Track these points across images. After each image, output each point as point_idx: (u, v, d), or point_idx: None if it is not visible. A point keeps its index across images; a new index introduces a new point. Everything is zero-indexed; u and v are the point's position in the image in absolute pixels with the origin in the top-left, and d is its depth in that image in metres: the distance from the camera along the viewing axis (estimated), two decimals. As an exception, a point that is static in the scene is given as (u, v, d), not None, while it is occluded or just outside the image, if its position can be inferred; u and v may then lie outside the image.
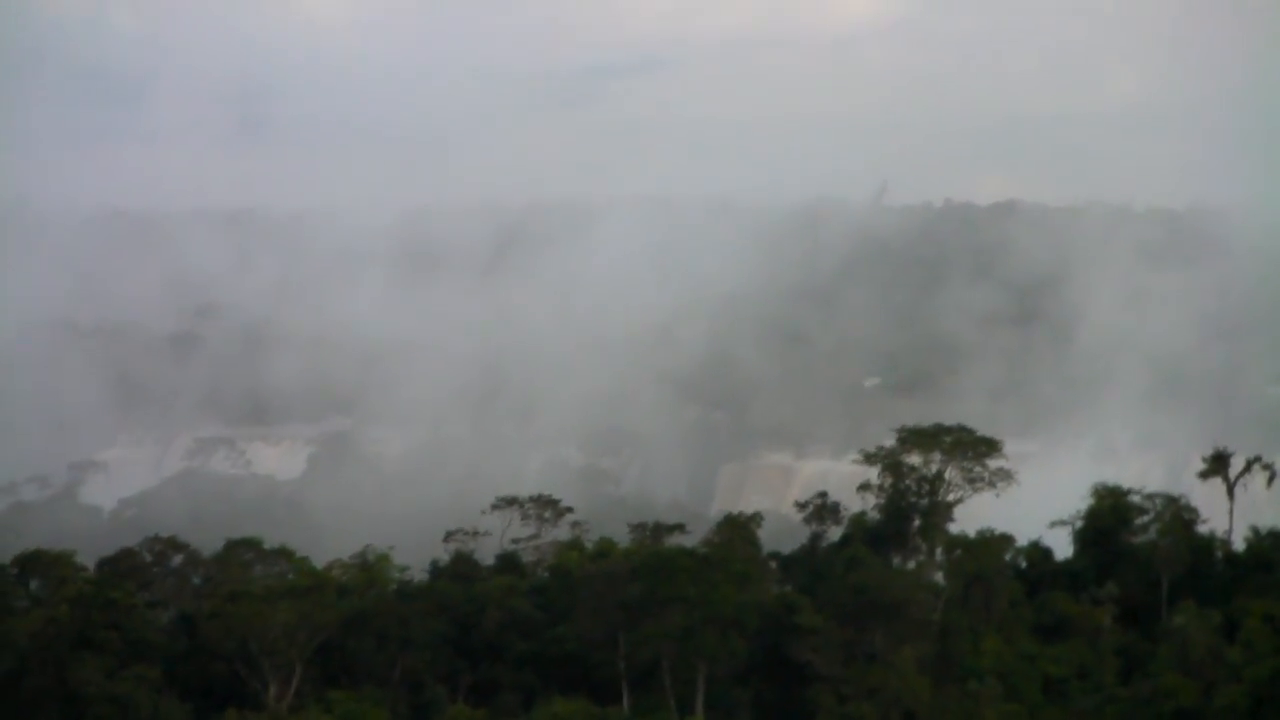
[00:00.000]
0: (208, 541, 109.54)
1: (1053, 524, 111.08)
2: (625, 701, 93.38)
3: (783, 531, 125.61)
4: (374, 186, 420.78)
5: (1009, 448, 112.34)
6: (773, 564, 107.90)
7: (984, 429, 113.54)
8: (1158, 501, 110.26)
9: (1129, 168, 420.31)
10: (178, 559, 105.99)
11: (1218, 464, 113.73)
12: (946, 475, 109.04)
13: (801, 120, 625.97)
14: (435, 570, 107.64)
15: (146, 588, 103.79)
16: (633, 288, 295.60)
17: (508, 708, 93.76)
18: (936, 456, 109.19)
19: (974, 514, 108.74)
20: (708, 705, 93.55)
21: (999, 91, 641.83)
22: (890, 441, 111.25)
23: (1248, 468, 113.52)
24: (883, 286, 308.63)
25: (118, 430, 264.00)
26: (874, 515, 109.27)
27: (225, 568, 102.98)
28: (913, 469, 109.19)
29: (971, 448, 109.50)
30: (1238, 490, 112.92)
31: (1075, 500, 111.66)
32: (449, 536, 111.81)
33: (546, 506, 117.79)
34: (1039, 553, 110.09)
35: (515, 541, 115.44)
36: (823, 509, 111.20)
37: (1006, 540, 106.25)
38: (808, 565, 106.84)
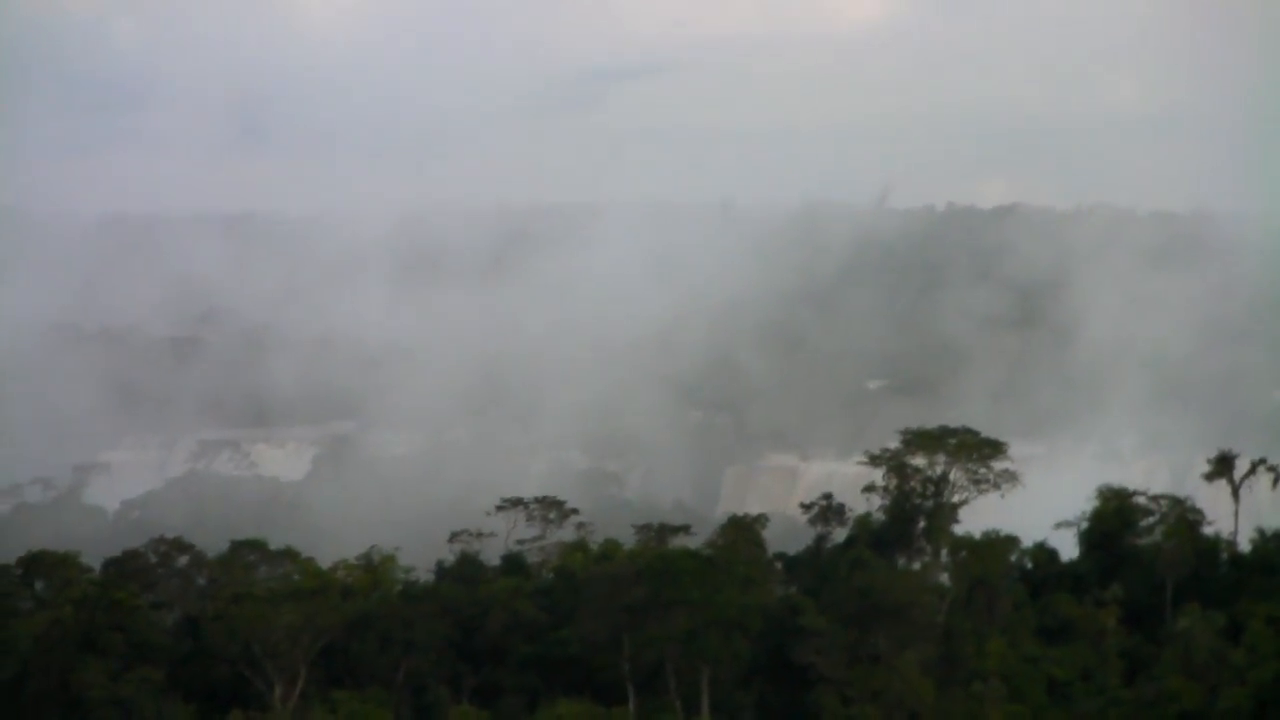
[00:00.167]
0: (212, 543, 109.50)
1: (1057, 526, 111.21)
2: (630, 704, 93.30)
3: (787, 533, 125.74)
4: (376, 190, 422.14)
5: (1013, 450, 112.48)
6: (777, 565, 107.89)
7: (988, 431, 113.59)
8: (1163, 504, 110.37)
9: (1132, 171, 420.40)
10: (183, 560, 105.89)
11: (1223, 466, 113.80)
12: (951, 477, 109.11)
13: (803, 124, 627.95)
14: (440, 571, 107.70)
15: (151, 589, 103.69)
16: (636, 291, 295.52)
17: (512, 710, 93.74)
18: (941, 458, 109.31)
19: (978, 516, 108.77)
20: (711, 707, 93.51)
21: (1001, 95, 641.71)
22: (895, 443, 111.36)
23: (1252, 470, 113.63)
24: (886, 290, 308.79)
25: (122, 433, 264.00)
26: (879, 517, 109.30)
27: (230, 569, 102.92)
28: (917, 471, 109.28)
29: (976, 450, 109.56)
30: (1243, 493, 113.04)
31: (1080, 502, 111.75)
32: (454, 537, 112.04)
33: (551, 508, 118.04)
34: (1043, 555, 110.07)
35: (520, 543, 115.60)
36: (827, 510, 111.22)
37: (1011, 542, 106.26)
38: (812, 567, 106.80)
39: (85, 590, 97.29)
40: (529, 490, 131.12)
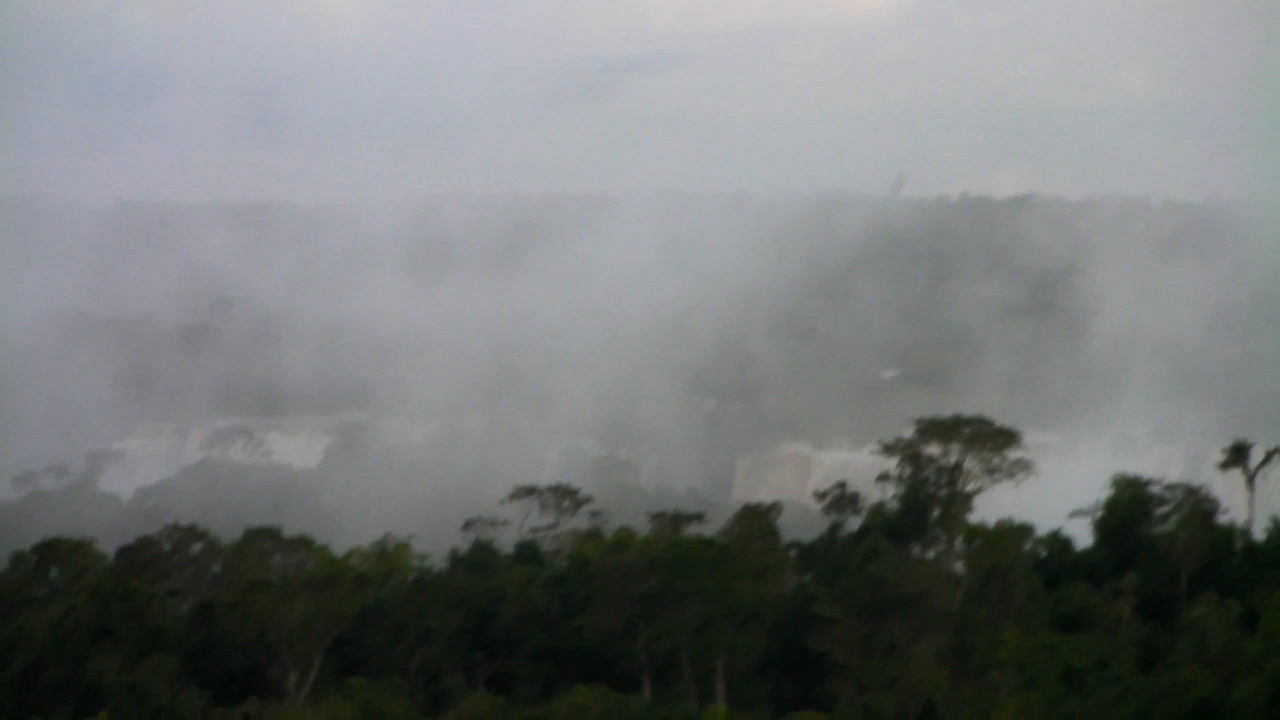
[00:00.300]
0: (226, 531, 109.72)
1: (1072, 515, 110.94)
2: (645, 692, 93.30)
3: (802, 521, 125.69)
4: (389, 179, 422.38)
5: (1027, 439, 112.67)
6: (791, 554, 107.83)
7: (1002, 421, 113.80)
8: (1177, 492, 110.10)
9: (1147, 161, 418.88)
10: (197, 548, 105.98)
11: (1238, 455, 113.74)
12: (965, 466, 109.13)
13: (817, 114, 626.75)
14: (454, 560, 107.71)
15: (165, 577, 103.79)
16: (650, 281, 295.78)
17: (526, 699, 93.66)
18: (955, 448, 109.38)
19: (993, 505, 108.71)
20: (727, 696, 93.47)
21: (1016, 85, 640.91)
22: (909, 433, 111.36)
23: (1268, 459, 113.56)
24: (899, 280, 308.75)
25: (135, 420, 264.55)
26: (893, 506, 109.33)
27: (244, 557, 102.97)
28: (931, 460, 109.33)
29: (990, 439, 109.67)
30: (1258, 482, 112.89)
31: (1094, 491, 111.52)
32: (468, 525, 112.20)
33: (565, 496, 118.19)
34: (1058, 544, 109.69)
35: (534, 531, 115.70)
36: (841, 499, 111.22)
37: (1026, 531, 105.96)
38: (826, 556, 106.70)
39: (99, 578, 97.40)
40: (542, 478, 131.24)
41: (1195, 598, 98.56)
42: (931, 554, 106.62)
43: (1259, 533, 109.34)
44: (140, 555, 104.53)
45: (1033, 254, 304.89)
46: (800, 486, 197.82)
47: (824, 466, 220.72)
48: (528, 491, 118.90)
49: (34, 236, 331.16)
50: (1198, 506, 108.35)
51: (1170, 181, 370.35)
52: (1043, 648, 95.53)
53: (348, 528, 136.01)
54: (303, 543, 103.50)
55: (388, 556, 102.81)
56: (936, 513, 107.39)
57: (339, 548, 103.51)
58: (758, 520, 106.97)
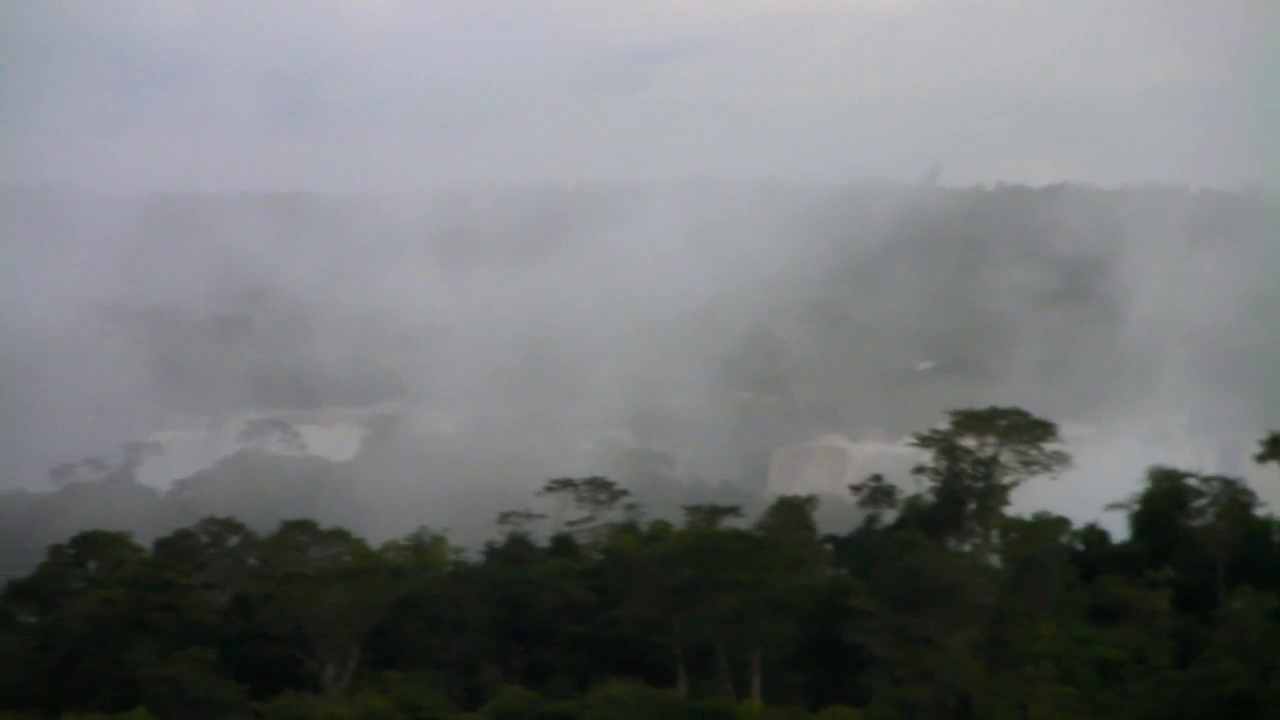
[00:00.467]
0: (262, 523, 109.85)
1: (1108, 507, 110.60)
2: (681, 684, 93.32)
3: (837, 514, 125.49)
4: (421, 169, 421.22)
5: (1063, 431, 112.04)
6: (827, 547, 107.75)
7: (1038, 412, 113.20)
8: (1214, 485, 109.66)
9: (1182, 148, 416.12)
10: (234, 540, 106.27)
11: (1274, 447, 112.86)
12: (1001, 458, 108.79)
13: (849, 100, 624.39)
14: (490, 552, 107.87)
15: (202, 569, 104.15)
16: (681, 270, 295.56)
17: (562, 690, 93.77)
18: (991, 439, 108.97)
19: (1029, 497, 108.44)
20: (762, 688, 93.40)
21: (1050, 70, 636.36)
22: (944, 424, 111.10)
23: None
24: (934, 269, 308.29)
25: (170, 412, 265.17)
26: (929, 498, 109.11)
27: (280, 549, 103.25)
28: (967, 452, 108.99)
29: (1026, 431, 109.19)
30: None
31: (1131, 483, 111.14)
32: (504, 518, 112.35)
33: (601, 489, 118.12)
34: (1094, 536, 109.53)
35: (570, 524, 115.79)
36: (877, 492, 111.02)
37: (1062, 523, 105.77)
38: (862, 548, 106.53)
39: (137, 570, 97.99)
40: (576, 469, 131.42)
41: (1232, 590, 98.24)
42: (967, 547, 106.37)
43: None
44: (177, 547, 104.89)
45: (1069, 243, 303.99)
46: (835, 479, 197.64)
47: (859, 459, 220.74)
48: (563, 484, 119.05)
49: (67, 226, 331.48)
50: (1234, 499, 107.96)
51: (1205, 169, 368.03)
52: (1079, 640, 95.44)
53: (382, 520, 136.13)
54: (339, 535, 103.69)
55: (423, 550, 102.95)
56: (972, 506, 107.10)
57: (374, 540, 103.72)
58: (793, 513, 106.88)
